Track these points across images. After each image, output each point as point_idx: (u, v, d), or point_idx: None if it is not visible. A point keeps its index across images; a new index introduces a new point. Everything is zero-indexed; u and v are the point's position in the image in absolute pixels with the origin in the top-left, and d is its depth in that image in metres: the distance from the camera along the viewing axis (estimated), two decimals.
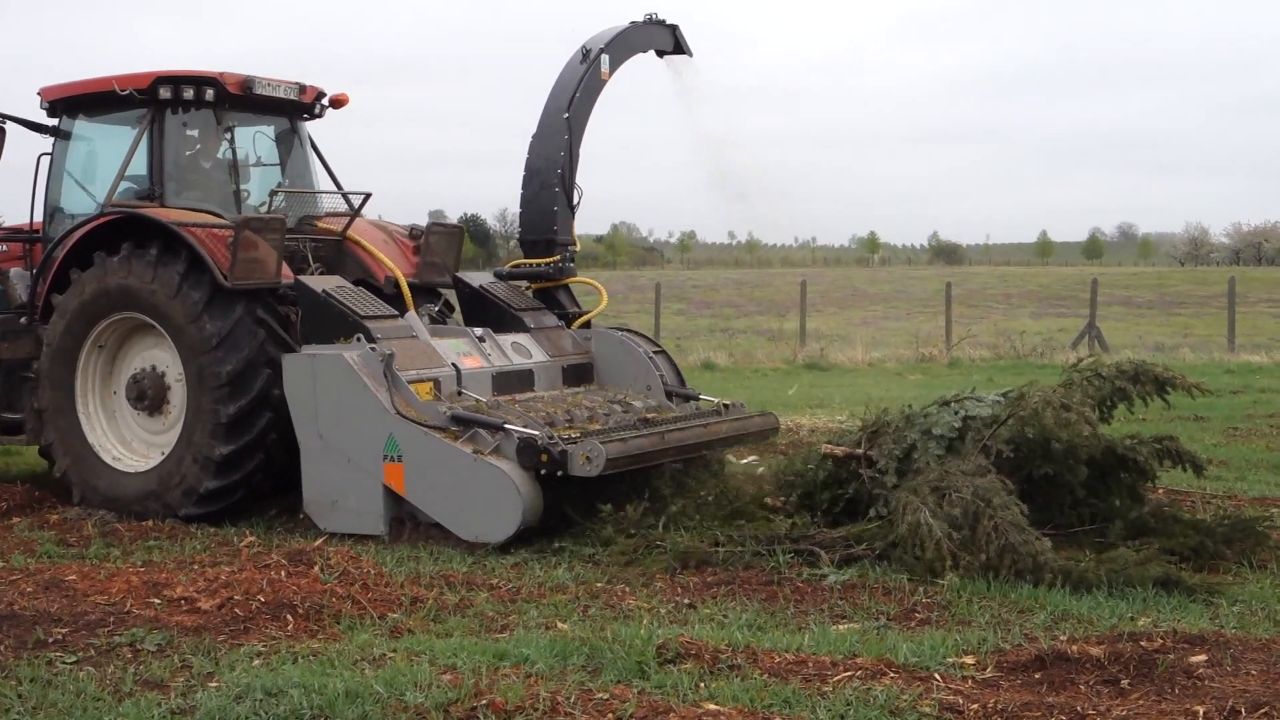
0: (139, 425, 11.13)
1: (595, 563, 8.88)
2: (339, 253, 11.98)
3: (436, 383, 10.18)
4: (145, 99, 11.19)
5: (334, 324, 10.42)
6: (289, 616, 7.35)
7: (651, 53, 13.01)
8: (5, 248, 12.67)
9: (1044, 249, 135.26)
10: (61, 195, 11.89)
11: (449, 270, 12.30)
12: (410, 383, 9.91)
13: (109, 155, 11.76)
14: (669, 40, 12.95)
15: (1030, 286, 65.05)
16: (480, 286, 12.12)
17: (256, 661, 6.57)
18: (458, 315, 12.37)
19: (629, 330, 12.42)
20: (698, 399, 11.65)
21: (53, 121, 11.96)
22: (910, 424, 9.27)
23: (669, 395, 11.54)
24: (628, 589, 8.16)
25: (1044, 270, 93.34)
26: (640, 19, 12.81)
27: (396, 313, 10.92)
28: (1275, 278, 67.01)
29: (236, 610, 7.43)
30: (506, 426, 9.54)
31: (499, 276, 12.49)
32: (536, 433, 9.48)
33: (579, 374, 11.68)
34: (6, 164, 11.84)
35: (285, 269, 10.81)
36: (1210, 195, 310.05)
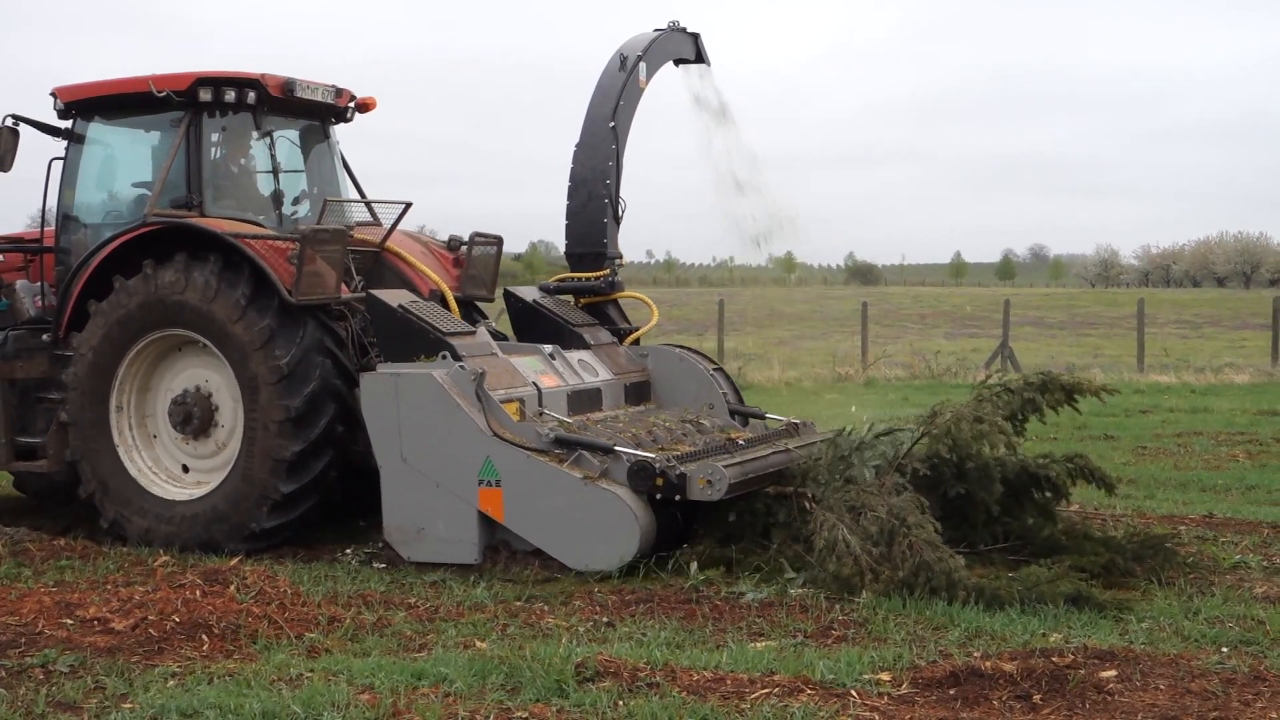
0: (180, 450, 10.60)
1: (513, 581, 8.87)
2: (377, 265, 11.35)
3: (522, 402, 9.75)
4: (184, 101, 10.57)
5: (413, 341, 9.87)
6: (204, 637, 7.28)
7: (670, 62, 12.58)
8: (2, 258, 11.84)
9: (958, 269, 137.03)
10: (75, 202, 11.22)
11: (487, 284, 11.83)
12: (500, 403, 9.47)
13: (130, 160, 11.27)
14: (691, 48, 12.58)
15: (944, 307, 65.75)
16: (534, 301, 11.66)
17: (171, 682, 6.50)
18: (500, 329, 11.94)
19: (686, 348, 12.06)
20: (764, 417, 11.33)
21: (66, 124, 11.21)
22: (842, 446, 9.25)
23: (731, 414, 11.21)
24: (546, 607, 8.16)
25: (958, 291, 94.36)
26: (665, 26, 12.40)
27: (474, 329, 10.45)
28: (1183, 299, 68.37)
29: (151, 631, 7.34)
30: (617, 449, 9.20)
31: (545, 290, 12.00)
32: (652, 455, 9.16)
33: (639, 392, 11.31)
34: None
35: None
36: (1121, 219, 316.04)
